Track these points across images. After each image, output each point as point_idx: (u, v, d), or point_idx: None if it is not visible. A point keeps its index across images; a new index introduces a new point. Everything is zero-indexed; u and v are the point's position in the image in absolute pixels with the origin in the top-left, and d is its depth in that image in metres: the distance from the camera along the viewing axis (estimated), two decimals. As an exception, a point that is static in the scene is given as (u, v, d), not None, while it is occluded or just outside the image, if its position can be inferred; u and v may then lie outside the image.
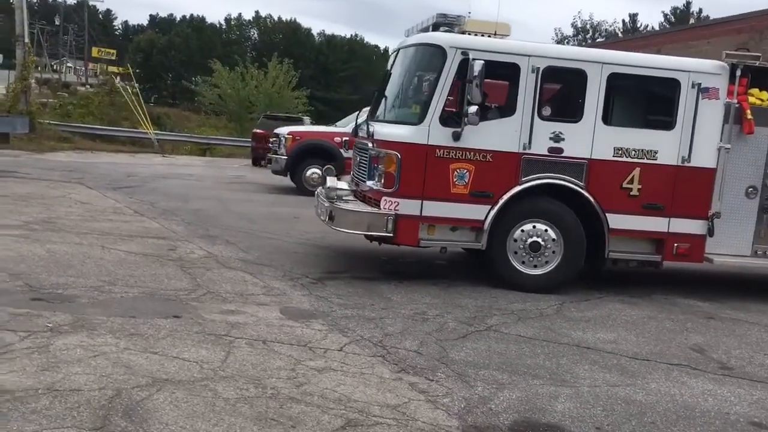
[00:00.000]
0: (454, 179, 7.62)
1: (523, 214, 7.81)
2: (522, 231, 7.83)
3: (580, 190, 7.79)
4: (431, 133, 7.53)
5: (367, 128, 8.04)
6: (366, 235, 7.97)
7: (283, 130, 17.19)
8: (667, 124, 7.89)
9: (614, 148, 7.83)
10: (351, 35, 79.85)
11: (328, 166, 9.27)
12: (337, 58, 71.47)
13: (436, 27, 8.00)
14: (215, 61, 44.02)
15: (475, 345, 5.83)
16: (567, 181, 7.77)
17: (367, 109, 8.79)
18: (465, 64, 7.40)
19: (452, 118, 7.57)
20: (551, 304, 7.45)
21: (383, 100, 8.40)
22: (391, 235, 7.60)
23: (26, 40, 26.81)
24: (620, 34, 72.49)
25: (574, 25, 76.82)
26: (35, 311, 5.62)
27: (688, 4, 73.83)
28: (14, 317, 5.40)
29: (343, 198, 8.01)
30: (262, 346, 5.34)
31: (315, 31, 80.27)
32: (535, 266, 7.88)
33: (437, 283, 7.97)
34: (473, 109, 7.28)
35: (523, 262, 7.87)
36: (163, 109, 47.18)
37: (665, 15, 75.94)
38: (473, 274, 8.45)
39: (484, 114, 7.44)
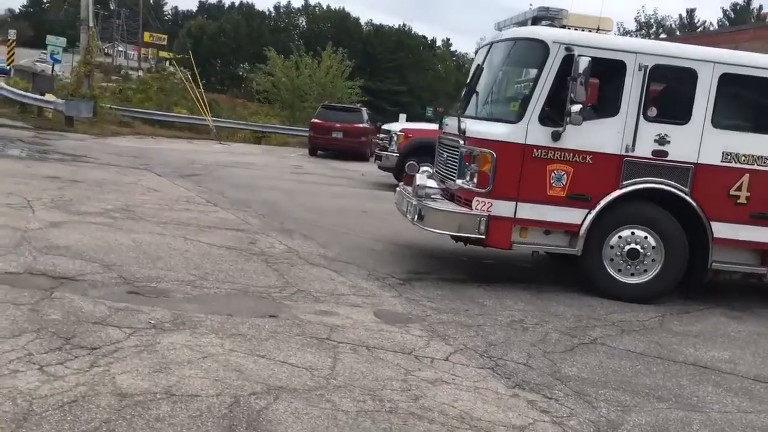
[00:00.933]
0: (551, 181, 7.29)
1: (621, 220, 7.45)
2: (619, 237, 7.46)
3: (684, 196, 7.39)
4: (529, 132, 7.21)
5: (459, 124, 7.74)
6: (453, 236, 7.71)
7: (395, 127, 17.01)
8: (779, 128, 7.44)
9: (723, 152, 7.41)
10: (399, 25, 79.33)
11: (411, 162, 9.03)
12: (385, 47, 71.14)
13: (536, 21, 7.67)
14: (270, 49, 44.15)
15: (585, 359, 5.53)
16: (671, 186, 7.38)
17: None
18: (568, 61, 7.06)
19: (552, 117, 7.23)
20: (652, 315, 7.08)
21: (474, 95, 8.10)
22: (483, 237, 7.32)
23: (90, 24, 27.09)
24: (677, 31, 70.66)
25: (637, 20, 74.92)
26: (134, 305, 5.49)
27: (748, 1, 71.64)
28: (115, 312, 5.27)
29: (432, 196, 7.75)
30: (366, 352, 5.12)
31: (363, 21, 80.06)
32: (632, 275, 7.51)
33: (527, 288, 7.67)
34: (577, 108, 6.94)
35: (620, 270, 7.51)
36: (212, 95, 47.42)
37: (724, 11, 73.78)
38: (561, 278, 8.12)
39: (587, 113, 7.08)
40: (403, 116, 31.06)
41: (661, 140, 7.32)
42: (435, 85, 74.65)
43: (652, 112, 7.30)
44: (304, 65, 42.29)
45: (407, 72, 71.76)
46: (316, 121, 25.11)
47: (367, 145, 25.15)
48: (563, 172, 7.29)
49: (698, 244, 7.50)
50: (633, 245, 7.45)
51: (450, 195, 7.95)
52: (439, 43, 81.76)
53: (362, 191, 15.46)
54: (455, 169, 7.85)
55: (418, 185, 7.66)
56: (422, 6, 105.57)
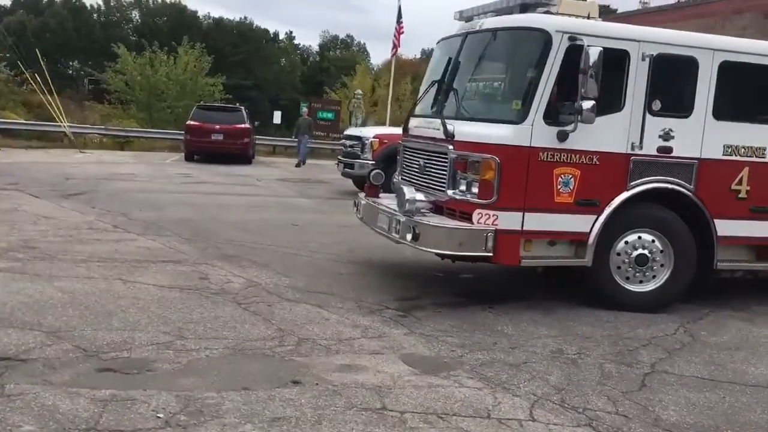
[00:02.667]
0: (559, 186, 6.54)
1: (628, 224, 6.83)
2: (626, 243, 6.85)
3: (689, 194, 6.89)
4: (534, 133, 6.40)
5: (444, 127, 6.79)
6: (451, 256, 6.79)
7: (368, 133, 15.67)
8: (776, 117, 7.12)
9: (724, 145, 6.99)
10: (240, 18, 76.35)
11: (377, 171, 7.98)
12: (227, 42, 68.04)
13: (525, 8, 6.87)
14: (119, 45, 40.79)
15: (669, 397, 4.80)
16: (676, 185, 6.86)
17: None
18: (572, 52, 6.31)
19: (556, 116, 6.47)
20: (674, 326, 6.53)
21: (452, 93, 7.18)
22: (491, 254, 6.44)
23: None
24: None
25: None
26: (121, 391, 4.12)
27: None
28: (103, 407, 3.89)
29: (422, 211, 6.76)
30: (442, 423, 4.09)
31: (201, 14, 76.23)
32: (641, 282, 6.94)
33: (532, 307, 6.89)
34: (588, 104, 6.20)
35: (628, 278, 6.91)
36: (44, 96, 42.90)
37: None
38: (553, 290, 7.42)
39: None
40: (277, 113, 29.58)
41: (666, 135, 6.77)
42: (282, 78, 72.82)
43: (656, 105, 6.73)
44: (159, 62, 39.51)
45: (252, 66, 69.32)
46: (192, 123, 23.18)
47: (250, 146, 23.64)
48: (570, 176, 6.56)
49: (702, 244, 7.04)
50: (641, 250, 6.86)
51: (437, 208, 6.99)
52: (282, 36, 79.57)
53: (273, 200, 14.14)
54: (442, 179, 6.91)
55: (407, 199, 6.64)
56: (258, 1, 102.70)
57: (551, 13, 6.65)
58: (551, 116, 6.44)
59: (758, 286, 8.08)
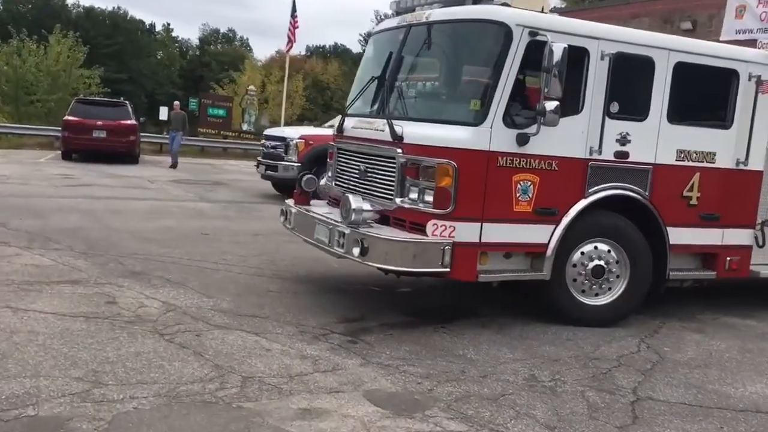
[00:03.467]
0: (517, 194, 6.01)
1: (584, 234, 6.41)
2: (582, 254, 6.43)
3: (644, 201, 6.56)
4: (494, 136, 5.83)
5: (392, 128, 6.11)
6: (401, 272, 6.11)
7: (291, 134, 14.63)
8: (724, 121, 6.92)
9: (677, 150, 6.71)
10: (113, 8, 72.42)
11: (309, 176, 7.18)
12: (99, 32, 64.26)
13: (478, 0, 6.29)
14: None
15: (667, 431, 4.35)
16: (632, 192, 6.51)
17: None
18: (533, 48, 5.80)
19: (516, 118, 5.94)
20: (634, 342, 6.18)
21: (394, 91, 6.52)
22: (447, 269, 5.82)
23: None
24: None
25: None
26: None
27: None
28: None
29: (368, 222, 6.04)
30: (442, 485, 3.41)
31: (70, 2, 71.62)
32: (597, 295, 6.54)
33: (486, 325, 6.35)
34: (552, 105, 5.70)
35: (583, 291, 6.49)
36: None
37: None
38: (500, 304, 6.92)
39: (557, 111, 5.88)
40: (164, 109, 27.84)
41: (623, 140, 6.40)
42: (159, 72, 69.71)
43: (614, 107, 6.33)
44: (27, 52, 36.49)
45: (127, 59, 65.82)
46: (70, 118, 21.24)
47: (136, 144, 21.98)
48: (529, 183, 6.05)
49: (654, 254, 6.74)
50: (597, 261, 6.46)
51: (382, 218, 6.28)
52: (159, 28, 76.08)
53: (172, 205, 12.94)
54: (388, 186, 6.22)
55: (354, 209, 5.89)
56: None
57: (507, 5, 6.10)
58: (510, 118, 5.90)
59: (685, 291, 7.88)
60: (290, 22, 31.31)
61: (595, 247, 6.47)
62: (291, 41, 31.92)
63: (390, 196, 6.19)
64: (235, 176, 20.39)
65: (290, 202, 7.34)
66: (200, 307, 6.16)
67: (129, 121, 21.67)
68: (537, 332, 6.23)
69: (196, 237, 9.63)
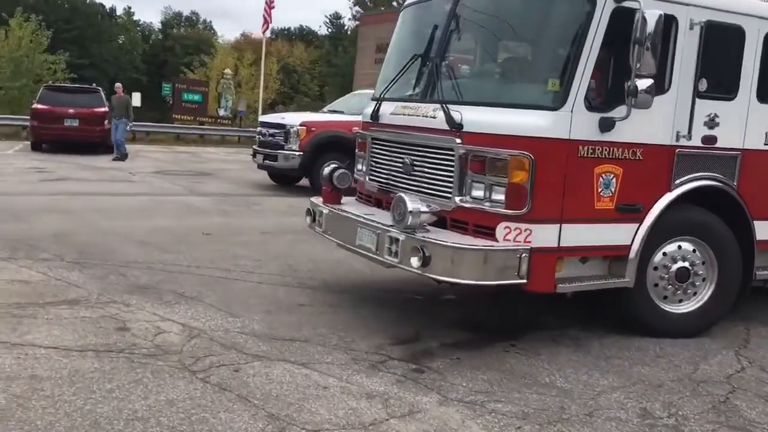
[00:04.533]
0: (599, 189, 5.14)
1: (667, 232, 5.55)
2: (664, 254, 5.59)
3: (732, 193, 5.74)
4: (574, 121, 4.94)
5: (447, 114, 5.18)
6: (457, 283, 5.19)
7: (292, 120, 13.57)
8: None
9: (766, 133, 5.89)
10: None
11: (342, 169, 6.22)
12: (59, 16, 61.67)
13: (547, -39, 5.35)
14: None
15: None
16: (720, 182, 5.68)
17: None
18: (619, 17, 4.91)
19: (600, 99, 5.05)
20: (730, 356, 5.38)
21: (444, 70, 5.57)
22: (525, 280, 4.93)
23: None
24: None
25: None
26: None
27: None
28: None
29: (425, 226, 5.11)
30: None
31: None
32: (680, 301, 5.72)
33: (558, 340, 5.50)
34: (645, 84, 4.81)
35: (665, 297, 5.65)
36: None
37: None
38: (552, 311, 6.07)
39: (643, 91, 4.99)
40: (137, 95, 26.44)
41: (711, 122, 5.54)
42: (121, 57, 67.49)
43: (703, 85, 5.47)
44: (-13, 36, 34.76)
45: (87, 44, 63.47)
46: (39, 106, 19.89)
47: (110, 133, 20.65)
48: (612, 176, 5.17)
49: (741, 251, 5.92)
50: (681, 263, 5.62)
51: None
52: (120, 12, 73.47)
53: (162, 200, 11.85)
54: (443, 181, 5.30)
55: (411, 210, 4.96)
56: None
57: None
58: (592, 100, 5.00)
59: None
60: (266, 2, 30.09)
61: (679, 247, 5.63)
62: (267, 21, 30.72)
63: (447, 194, 5.27)
64: (219, 165, 19.27)
65: (317, 200, 6.37)
66: (228, 330, 5.20)
67: (102, 109, 20.41)
68: (619, 348, 5.39)
69: (197, 238, 8.62)
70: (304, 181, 13.89)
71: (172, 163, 18.83)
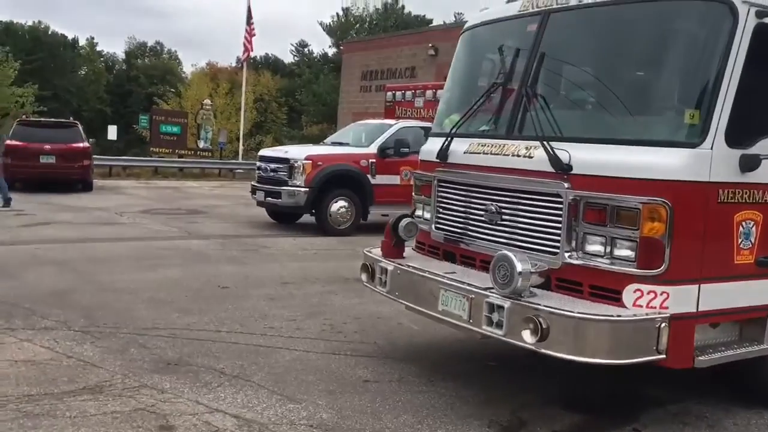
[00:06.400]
0: (739, 240, 4.30)
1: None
2: (789, 314, 4.77)
3: None
4: (714, 160, 4.11)
5: (551, 153, 4.33)
6: (580, 362, 4.27)
7: (295, 154, 12.61)
8: None
9: None
10: (33, 22, 68.18)
11: (408, 218, 5.30)
12: (20, 48, 60.21)
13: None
14: None
15: None
16: None
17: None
18: (761, 36, 4.12)
19: (741, 133, 4.22)
20: None
21: (534, 101, 4.72)
22: (663, 356, 4.04)
23: None
24: None
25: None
26: None
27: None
28: None
29: (531, 290, 4.22)
30: None
31: (-15, 18, 66.86)
32: (807, 365, 4.88)
33: (685, 421, 4.63)
34: (801, 115, 4.02)
35: (792, 361, 4.82)
36: None
37: None
38: (652, 380, 5.19)
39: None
40: (112, 128, 25.32)
41: None
42: (85, 88, 66.00)
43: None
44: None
45: (49, 75, 61.94)
46: (12, 142, 18.60)
47: (90, 169, 19.51)
48: (752, 224, 4.34)
49: None
50: (811, 323, 4.79)
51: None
52: (83, 42, 71.94)
53: (160, 244, 10.79)
54: (545, 234, 4.42)
55: (521, 272, 4.06)
56: (52, 4, 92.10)
57: (712, -22, 4.37)
58: (733, 134, 4.18)
59: None
60: (246, 30, 29.32)
61: (807, 304, 4.80)
62: (248, 50, 29.93)
63: (551, 249, 4.39)
64: (207, 201, 18.18)
65: (377, 253, 5.44)
66: (293, 423, 4.22)
67: (81, 144, 19.19)
68: (758, 428, 4.53)
69: (214, 292, 7.60)
70: (305, 218, 12.96)
71: (158, 201, 17.70)
